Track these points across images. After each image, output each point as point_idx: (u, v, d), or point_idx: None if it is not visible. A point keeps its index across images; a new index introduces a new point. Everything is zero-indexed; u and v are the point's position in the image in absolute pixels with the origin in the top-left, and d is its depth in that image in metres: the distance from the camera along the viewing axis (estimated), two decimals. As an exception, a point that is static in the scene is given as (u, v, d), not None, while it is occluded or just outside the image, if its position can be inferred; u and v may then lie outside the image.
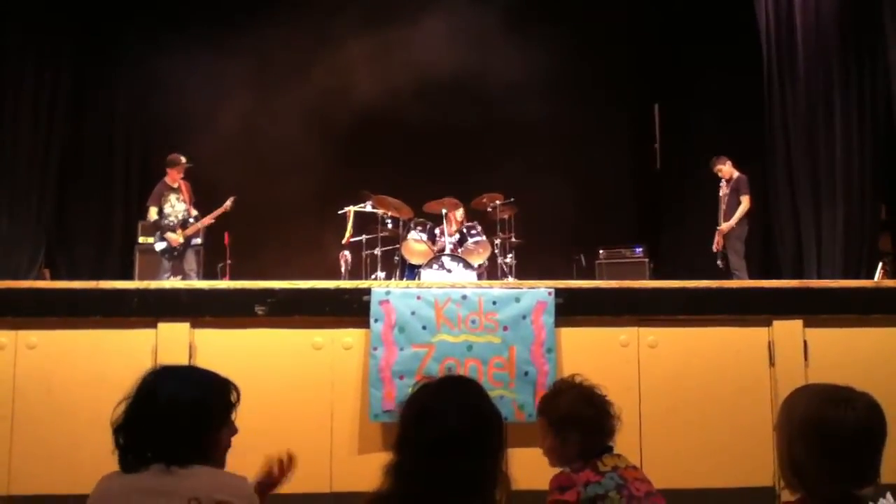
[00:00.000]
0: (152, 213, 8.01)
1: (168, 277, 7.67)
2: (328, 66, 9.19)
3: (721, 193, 8.27)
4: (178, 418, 2.07)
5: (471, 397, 2.01)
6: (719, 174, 8.34)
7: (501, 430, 2.02)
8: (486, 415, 1.98)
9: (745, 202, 8.11)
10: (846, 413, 1.86)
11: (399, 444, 1.94)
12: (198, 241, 8.14)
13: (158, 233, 7.98)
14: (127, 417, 2.08)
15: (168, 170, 8.12)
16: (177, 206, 8.06)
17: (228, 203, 8.15)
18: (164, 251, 7.94)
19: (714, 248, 8.26)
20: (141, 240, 8.86)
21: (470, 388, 2.07)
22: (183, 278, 7.69)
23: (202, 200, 8.32)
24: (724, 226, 8.13)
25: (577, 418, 2.71)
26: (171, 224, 7.99)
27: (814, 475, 1.86)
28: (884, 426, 1.87)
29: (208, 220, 8.12)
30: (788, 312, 4.83)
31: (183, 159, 8.13)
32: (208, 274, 8.12)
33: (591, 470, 2.59)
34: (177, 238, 7.93)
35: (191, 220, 8.07)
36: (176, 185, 8.12)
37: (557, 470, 2.67)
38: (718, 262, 8.20)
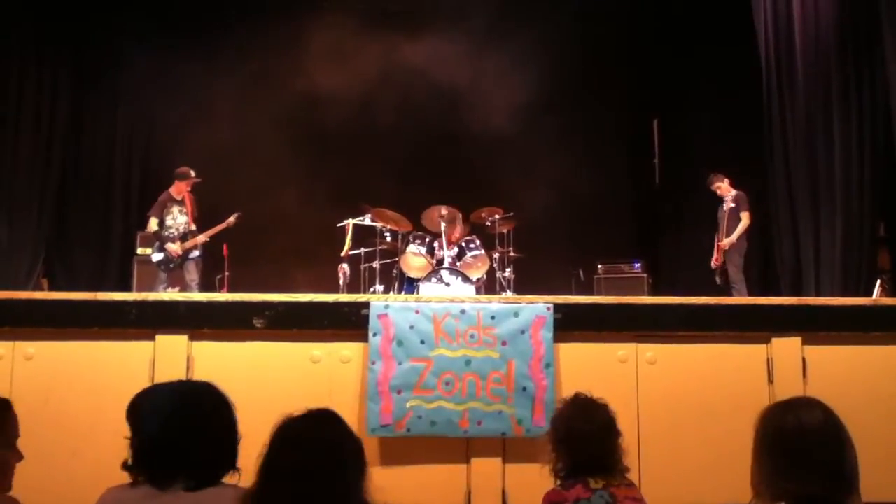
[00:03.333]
0: (152, 224, 8.00)
1: (164, 289, 7.66)
2: (329, 79, 9.22)
3: (722, 211, 8.26)
4: (222, 435, 2.17)
5: (314, 429, 2.13)
6: (718, 191, 8.34)
7: (350, 460, 2.07)
8: (338, 446, 2.07)
9: (746, 218, 8.13)
10: (787, 417, 1.95)
11: (260, 472, 2.03)
12: (196, 253, 8.12)
13: (157, 243, 7.97)
14: (165, 433, 2.09)
15: (176, 181, 8.11)
16: (178, 219, 8.06)
17: (232, 219, 8.15)
18: (160, 262, 7.93)
19: (713, 265, 8.26)
20: (140, 251, 8.85)
21: (319, 421, 2.20)
22: (182, 289, 7.67)
23: (202, 212, 8.33)
24: (725, 241, 8.12)
25: (569, 432, 2.74)
26: (171, 236, 7.99)
27: (759, 476, 1.97)
28: (836, 436, 1.91)
29: (204, 236, 8.10)
30: (787, 329, 4.83)
31: (192, 173, 8.13)
32: (206, 286, 8.12)
33: (583, 486, 2.62)
34: (175, 249, 7.92)
35: (189, 234, 8.06)
36: (180, 198, 8.12)
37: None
38: (717, 278, 8.19)
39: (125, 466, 2.10)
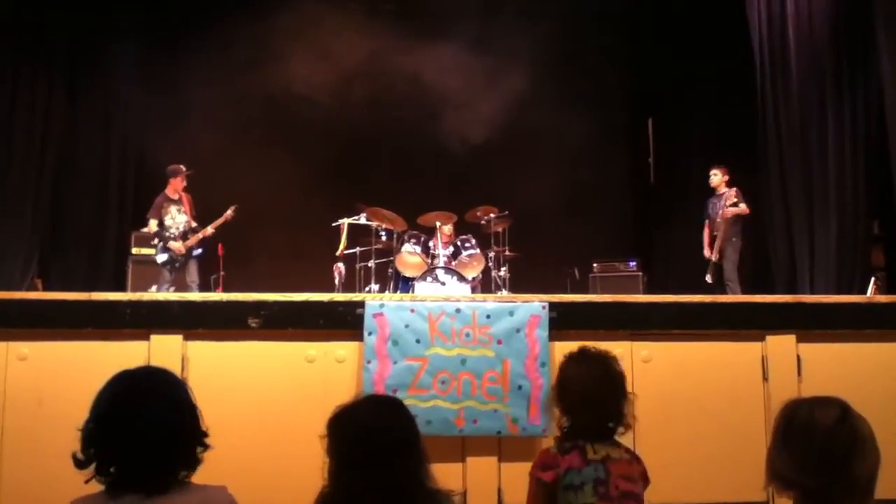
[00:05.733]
0: (152, 226, 8.00)
1: (168, 289, 7.66)
2: (323, 79, 9.21)
3: (716, 205, 8.15)
4: (168, 441, 1.97)
5: (380, 418, 2.14)
6: (713, 177, 8.24)
7: (415, 446, 2.11)
8: (396, 434, 2.09)
9: (744, 206, 8.04)
10: (801, 411, 1.96)
11: (334, 460, 2.08)
12: (199, 251, 8.12)
13: (161, 244, 7.97)
14: (106, 438, 1.95)
15: (170, 180, 8.12)
16: (177, 218, 8.06)
17: (229, 212, 8.15)
18: (165, 262, 7.93)
19: (713, 257, 8.08)
20: (134, 250, 8.83)
21: (382, 408, 2.21)
22: (177, 290, 7.66)
23: (198, 210, 8.32)
24: (730, 210, 7.93)
25: (574, 390, 2.65)
26: (173, 235, 7.98)
27: (770, 463, 1.95)
28: (848, 439, 1.89)
29: (209, 230, 8.11)
30: (782, 327, 4.84)
31: (183, 168, 8.14)
32: (202, 285, 8.11)
33: (580, 454, 2.57)
34: (179, 248, 7.93)
35: (190, 232, 8.07)
36: (177, 197, 8.13)
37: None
38: (709, 276, 8.08)
39: (74, 460, 1.96)
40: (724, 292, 7.69)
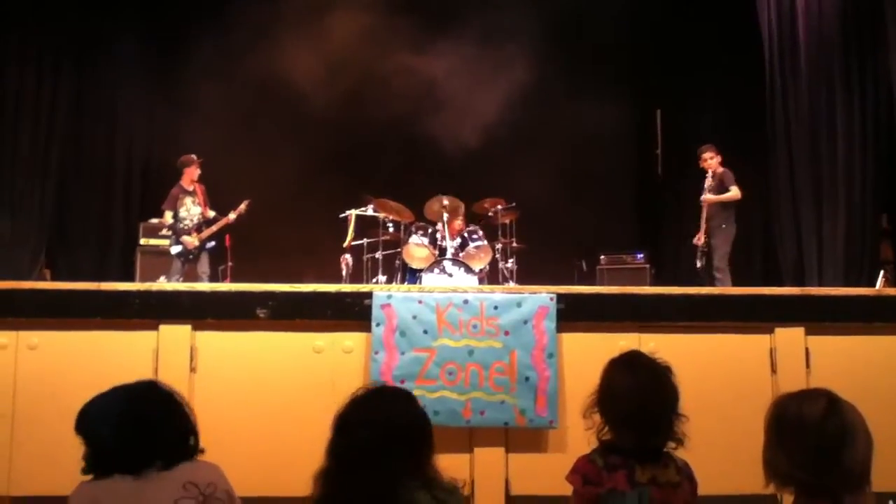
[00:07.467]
0: (167, 217, 8.04)
1: (178, 280, 7.70)
2: (330, 70, 9.20)
3: (707, 187, 7.83)
4: (176, 427, 2.27)
5: (384, 409, 2.13)
6: (706, 163, 7.88)
7: (419, 439, 2.10)
8: (399, 425, 2.09)
9: (735, 191, 7.65)
10: (790, 406, 1.96)
11: (327, 451, 2.09)
12: (212, 244, 8.15)
13: (174, 236, 8.01)
14: (119, 437, 2.21)
15: (185, 170, 8.13)
16: (192, 210, 8.09)
17: (242, 207, 8.17)
18: (179, 254, 7.97)
19: (696, 241, 7.82)
20: (142, 241, 8.86)
21: (388, 399, 2.21)
22: (187, 280, 7.69)
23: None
24: (708, 198, 7.64)
25: (610, 401, 2.37)
26: (187, 227, 8.02)
27: (766, 460, 1.96)
28: (837, 430, 1.90)
29: (232, 216, 8.14)
30: (790, 320, 4.83)
31: (195, 157, 8.16)
32: (212, 277, 8.14)
33: (627, 475, 2.31)
34: (192, 241, 7.96)
35: (204, 224, 8.10)
36: (191, 189, 8.15)
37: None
38: (698, 260, 7.76)
39: (84, 473, 2.23)
40: (711, 280, 7.53)
